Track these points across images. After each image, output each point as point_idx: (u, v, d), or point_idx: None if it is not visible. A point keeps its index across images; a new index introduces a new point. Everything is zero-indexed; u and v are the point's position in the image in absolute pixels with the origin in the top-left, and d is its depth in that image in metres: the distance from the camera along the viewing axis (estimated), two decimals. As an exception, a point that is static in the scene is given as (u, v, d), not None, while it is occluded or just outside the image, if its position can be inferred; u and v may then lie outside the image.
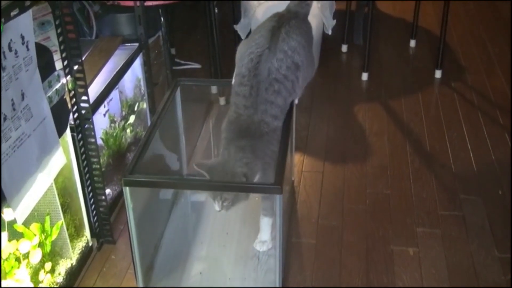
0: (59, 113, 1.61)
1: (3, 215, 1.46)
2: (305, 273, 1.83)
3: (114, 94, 2.17)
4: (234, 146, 1.65)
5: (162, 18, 2.67)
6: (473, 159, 2.34)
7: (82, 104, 1.73)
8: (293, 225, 2.03)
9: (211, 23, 2.63)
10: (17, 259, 1.54)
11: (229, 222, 2.02)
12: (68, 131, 1.71)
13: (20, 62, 1.39)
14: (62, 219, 1.72)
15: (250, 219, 1.99)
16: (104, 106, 2.08)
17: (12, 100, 1.37)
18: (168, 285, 1.79)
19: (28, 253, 1.56)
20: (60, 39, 1.61)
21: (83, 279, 1.83)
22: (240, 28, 2.84)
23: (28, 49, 1.42)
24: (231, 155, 1.64)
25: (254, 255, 1.86)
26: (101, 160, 1.86)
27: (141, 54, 2.27)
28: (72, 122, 1.72)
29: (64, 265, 1.77)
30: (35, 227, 1.60)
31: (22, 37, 1.39)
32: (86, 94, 1.73)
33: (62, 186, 1.77)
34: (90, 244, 1.90)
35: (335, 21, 2.90)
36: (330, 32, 2.87)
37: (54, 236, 1.69)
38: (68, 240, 1.78)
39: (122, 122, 2.25)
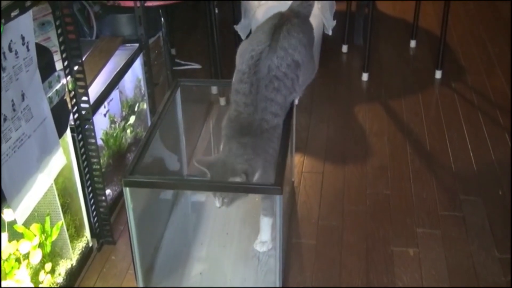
0: (59, 113, 1.61)
1: (3, 216, 1.46)
2: (305, 274, 1.83)
3: (115, 94, 2.17)
4: (235, 143, 1.66)
5: (162, 19, 2.67)
6: (473, 159, 2.34)
7: (82, 105, 1.73)
8: (293, 226, 2.03)
9: (211, 23, 2.63)
10: (17, 260, 1.54)
11: (229, 222, 2.02)
12: (68, 131, 1.71)
13: (20, 62, 1.39)
14: (62, 220, 1.72)
15: (250, 219, 1.99)
16: (104, 107, 2.08)
17: (12, 100, 1.37)
18: (168, 285, 1.78)
19: (28, 253, 1.56)
20: (61, 39, 1.61)
21: (83, 279, 1.83)
22: (240, 29, 2.84)
23: (28, 50, 1.42)
24: (231, 152, 1.64)
25: (254, 256, 1.86)
26: (101, 161, 1.86)
27: (141, 55, 2.27)
28: (72, 123, 1.72)
29: (64, 266, 1.77)
30: (35, 227, 1.60)
31: (23, 38, 1.39)
32: (87, 94, 1.73)
33: (62, 186, 1.77)
34: (90, 245, 1.90)
35: (335, 21, 2.90)
36: (330, 33, 2.87)
37: (54, 237, 1.69)
38: (68, 241, 1.78)
39: (123, 123, 2.25)
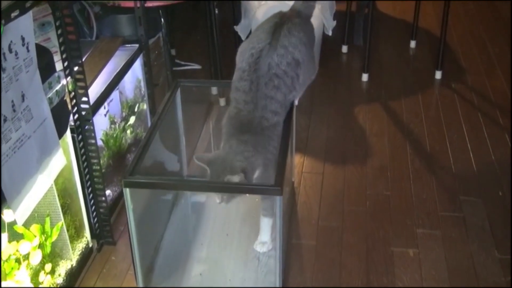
0: (59, 114, 1.61)
1: (3, 216, 1.46)
2: (305, 274, 1.83)
3: (115, 95, 2.17)
4: (235, 140, 1.66)
5: (162, 19, 2.67)
6: (473, 160, 2.34)
7: (82, 105, 1.73)
8: (293, 226, 2.03)
9: (211, 24, 2.63)
10: (17, 260, 1.54)
11: (229, 223, 2.02)
12: (68, 132, 1.71)
13: (20, 63, 1.39)
14: (62, 220, 1.72)
15: (250, 220, 1.99)
16: (104, 107, 2.08)
17: (12, 101, 1.37)
18: (168, 286, 1.78)
19: (28, 254, 1.56)
20: (61, 40, 1.61)
21: (83, 280, 1.83)
22: (240, 29, 2.84)
23: (28, 50, 1.42)
24: (231, 149, 1.65)
25: (254, 256, 1.86)
26: (101, 161, 1.86)
27: (141, 55, 2.27)
28: (72, 123, 1.72)
29: (64, 266, 1.77)
30: (35, 228, 1.60)
31: (23, 38, 1.39)
32: (87, 95, 1.73)
33: (62, 187, 1.77)
34: (90, 245, 1.90)
35: (335, 22, 2.90)
36: (330, 33, 2.87)
37: (54, 237, 1.68)
38: (68, 241, 1.78)
39: (122, 123, 2.25)
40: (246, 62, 1.69)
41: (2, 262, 1.48)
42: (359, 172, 2.29)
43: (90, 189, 1.84)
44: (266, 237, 1.87)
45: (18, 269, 1.54)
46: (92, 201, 1.87)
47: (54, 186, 1.65)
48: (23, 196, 1.43)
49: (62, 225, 1.72)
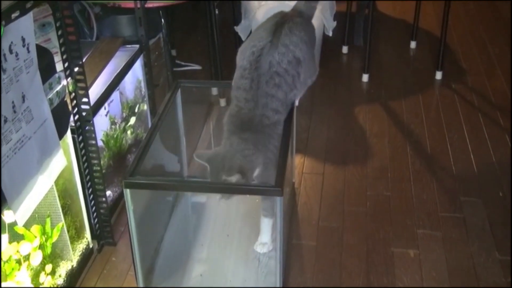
0: (60, 115, 1.61)
1: (3, 217, 1.46)
2: (306, 275, 1.83)
3: (115, 95, 2.17)
4: (235, 138, 1.66)
5: (162, 20, 2.67)
6: (474, 160, 2.34)
7: (83, 106, 1.73)
8: (293, 227, 2.03)
9: (212, 24, 2.63)
10: (18, 261, 1.54)
11: (230, 223, 2.02)
12: (68, 133, 1.71)
13: (21, 64, 1.39)
14: (63, 221, 1.72)
15: (250, 220, 1.99)
16: (105, 108, 2.08)
17: (12, 102, 1.37)
18: (168, 286, 1.78)
19: (28, 255, 1.56)
20: (61, 41, 1.61)
21: (84, 281, 1.83)
22: (240, 30, 2.84)
23: (28, 51, 1.42)
24: (232, 147, 1.65)
25: (254, 257, 1.86)
26: (101, 162, 1.86)
27: (141, 56, 2.27)
28: (73, 124, 1.72)
29: (64, 267, 1.77)
30: (35, 229, 1.60)
31: (23, 39, 1.39)
32: (87, 96, 1.73)
33: (63, 188, 1.77)
34: (91, 246, 1.90)
35: (335, 22, 2.90)
36: (330, 34, 2.87)
37: (54, 238, 1.69)
38: (69, 242, 1.78)
39: (123, 124, 2.25)
40: (247, 60, 1.69)
41: (2, 263, 1.49)
42: (359, 172, 2.30)
43: (90, 190, 1.84)
44: (266, 238, 1.87)
45: (19, 270, 1.54)
46: (93, 202, 1.87)
47: (54, 187, 1.66)
48: (24, 197, 1.43)
49: (63, 225, 1.72)
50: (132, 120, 2.31)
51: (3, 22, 1.28)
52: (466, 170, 2.29)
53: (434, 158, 2.37)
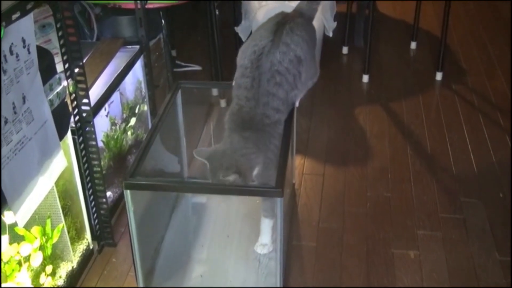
0: (60, 116, 1.61)
1: (4, 218, 1.46)
2: (306, 276, 1.83)
3: (115, 96, 2.17)
4: (236, 136, 1.66)
5: (163, 20, 2.67)
6: (474, 161, 2.34)
7: (83, 107, 1.73)
8: (293, 228, 2.03)
9: (212, 25, 2.63)
10: (18, 262, 1.54)
11: (230, 224, 2.02)
12: (69, 134, 1.71)
13: (21, 65, 1.39)
14: (63, 222, 1.72)
15: (250, 221, 1.99)
16: (105, 109, 2.08)
17: (13, 103, 1.37)
18: (169, 287, 1.78)
19: (29, 256, 1.57)
20: (61, 41, 1.61)
21: (84, 282, 1.83)
22: (241, 30, 2.84)
23: (29, 52, 1.42)
24: (232, 145, 1.65)
25: (255, 258, 1.86)
26: (102, 163, 1.86)
27: (142, 57, 2.27)
28: (73, 125, 1.72)
29: (65, 268, 1.77)
30: (36, 230, 1.60)
31: (23, 40, 1.39)
32: (87, 96, 1.73)
33: (63, 189, 1.77)
34: (91, 247, 1.90)
35: (335, 23, 2.90)
36: (331, 34, 2.87)
37: (55, 239, 1.69)
38: (69, 243, 1.78)
39: (123, 125, 2.25)
40: (248, 59, 1.69)
41: (2, 264, 1.49)
42: (359, 173, 2.30)
43: (90, 191, 1.84)
44: (266, 239, 1.87)
45: (19, 271, 1.54)
46: (93, 203, 1.87)
47: (55, 188, 1.66)
48: (24, 198, 1.44)
49: (63, 226, 1.72)
50: (133, 121, 2.31)
51: (3, 23, 1.28)
52: (466, 171, 2.29)
53: (434, 159, 2.37)
